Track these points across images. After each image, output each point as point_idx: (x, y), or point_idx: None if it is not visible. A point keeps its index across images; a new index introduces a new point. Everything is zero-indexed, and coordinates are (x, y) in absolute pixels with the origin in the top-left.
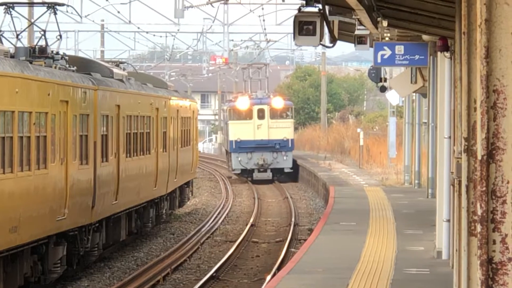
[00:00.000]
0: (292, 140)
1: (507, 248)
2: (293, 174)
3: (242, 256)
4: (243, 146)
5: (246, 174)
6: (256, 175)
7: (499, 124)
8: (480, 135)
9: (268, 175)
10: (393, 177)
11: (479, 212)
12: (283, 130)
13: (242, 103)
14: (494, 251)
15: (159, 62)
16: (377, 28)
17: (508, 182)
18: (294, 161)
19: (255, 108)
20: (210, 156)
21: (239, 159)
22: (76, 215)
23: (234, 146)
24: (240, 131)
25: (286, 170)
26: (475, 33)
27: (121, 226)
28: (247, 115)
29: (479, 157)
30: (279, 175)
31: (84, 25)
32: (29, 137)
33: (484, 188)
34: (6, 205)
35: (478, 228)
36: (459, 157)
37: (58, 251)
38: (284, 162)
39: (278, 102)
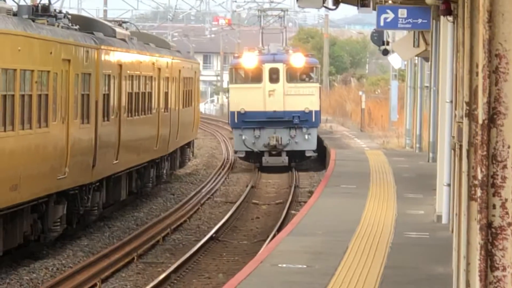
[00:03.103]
0: (317, 112)
1: (507, 213)
2: (318, 160)
3: (242, 217)
4: (248, 120)
5: (252, 159)
6: (266, 160)
7: (501, 88)
8: (481, 100)
9: (283, 160)
10: (394, 140)
11: (480, 176)
12: (305, 98)
13: (248, 60)
14: (494, 215)
15: (161, 22)
16: None
17: (509, 147)
18: (320, 141)
19: (266, 67)
20: (212, 117)
21: (243, 137)
22: (77, 174)
23: (236, 120)
24: (244, 99)
25: (308, 154)
26: None
27: (121, 186)
28: (255, 77)
29: (480, 122)
30: (298, 161)
31: None
32: (30, 96)
33: (484, 153)
34: (6, 163)
35: (478, 192)
36: (460, 121)
37: (58, 210)
38: (306, 143)
39: (299, 60)
